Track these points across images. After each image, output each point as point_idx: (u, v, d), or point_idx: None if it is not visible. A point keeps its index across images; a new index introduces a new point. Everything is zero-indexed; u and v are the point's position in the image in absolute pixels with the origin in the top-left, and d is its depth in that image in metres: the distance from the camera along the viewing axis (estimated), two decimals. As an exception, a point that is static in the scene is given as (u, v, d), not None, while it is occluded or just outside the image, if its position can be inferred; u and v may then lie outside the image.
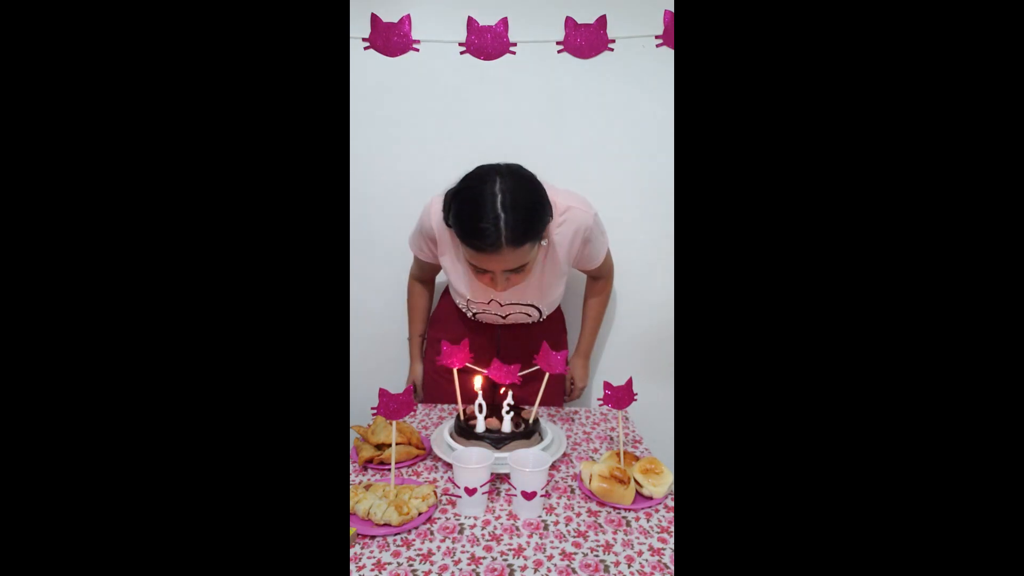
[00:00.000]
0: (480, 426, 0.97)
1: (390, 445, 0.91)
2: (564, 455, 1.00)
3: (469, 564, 0.70)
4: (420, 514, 0.78)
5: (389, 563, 0.70)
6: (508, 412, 0.98)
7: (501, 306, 1.16)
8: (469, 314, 1.20)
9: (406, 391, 0.86)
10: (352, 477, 0.92)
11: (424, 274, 1.28)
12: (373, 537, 0.75)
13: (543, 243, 1.01)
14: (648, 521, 0.80)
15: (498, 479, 0.89)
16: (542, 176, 1.02)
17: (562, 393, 1.34)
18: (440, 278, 1.32)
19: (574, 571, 0.69)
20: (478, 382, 1.01)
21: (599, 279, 1.29)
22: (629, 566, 0.70)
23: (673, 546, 0.74)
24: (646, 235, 1.48)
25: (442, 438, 1.00)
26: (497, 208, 0.88)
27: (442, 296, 1.34)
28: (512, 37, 1.41)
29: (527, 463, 0.82)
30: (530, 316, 1.19)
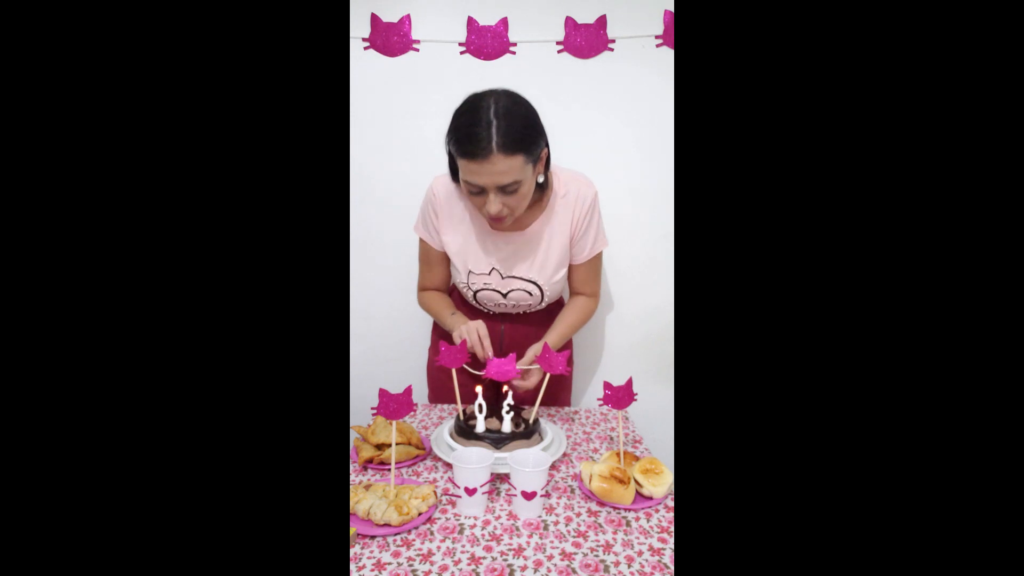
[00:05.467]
0: (480, 426, 0.97)
1: (390, 445, 0.91)
2: (564, 455, 1.00)
3: (469, 564, 0.70)
4: (420, 514, 0.78)
5: (389, 563, 0.70)
6: (508, 412, 0.98)
7: (502, 278, 1.13)
8: (471, 294, 1.18)
9: (406, 391, 0.86)
10: (352, 477, 0.92)
11: (433, 279, 1.21)
12: (373, 537, 0.75)
13: (539, 180, 1.02)
14: (648, 521, 0.80)
15: (498, 479, 0.89)
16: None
17: (562, 393, 1.33)
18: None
19: (574, 571, 0.69)
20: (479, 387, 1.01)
21: (582, 295, 1.20)
22: (629, 566, 0.70)
23: (673, 546, 0.74)
24: (646, 235, 1.48)
25: (442, 438, 1.00)
26: (490, 115, 0.92)
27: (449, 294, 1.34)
28: (512, 37, 1.41)
29: (527, 463, 0.82)
30: (531, 295, 1.15)
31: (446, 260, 1.17)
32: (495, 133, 0.90)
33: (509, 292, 1.16)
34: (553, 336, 1.16)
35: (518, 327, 1.24)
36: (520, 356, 1.07)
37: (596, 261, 1.19)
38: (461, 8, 1.40)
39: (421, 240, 1.19)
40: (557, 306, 1.28)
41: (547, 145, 1.01)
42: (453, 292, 1.27)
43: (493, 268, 1.13)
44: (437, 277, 1.21)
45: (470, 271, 1.14)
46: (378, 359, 1.56)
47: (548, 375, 1.01)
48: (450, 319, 1.15)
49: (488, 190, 0.96)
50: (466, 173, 0.96)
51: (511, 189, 0.96)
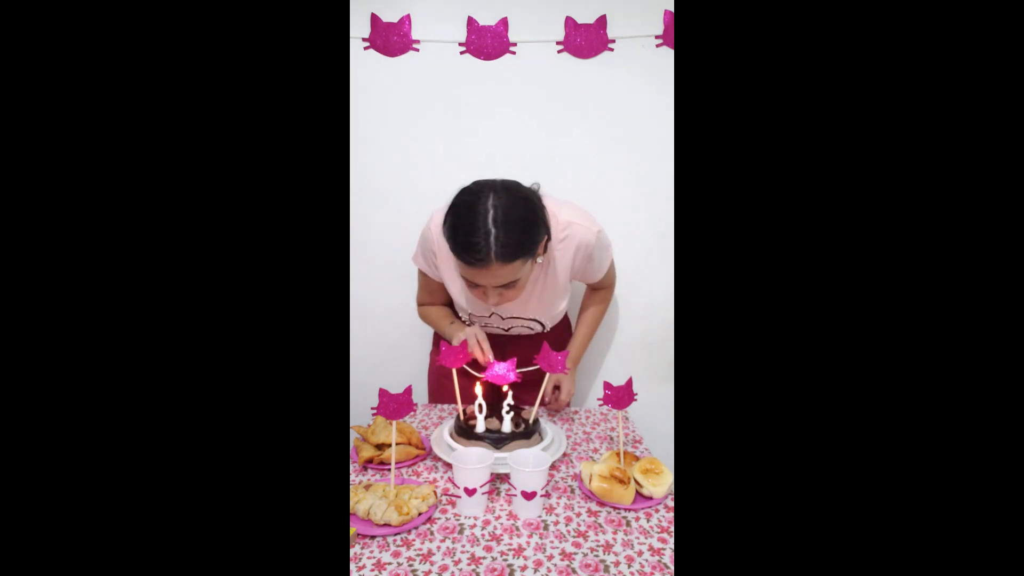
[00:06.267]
0: (480, 426, 0.97)
1: (390, 445, 0.91)
2: (564, 455, 1.00)
3: (469, 564, 0.70)
4: (420, 514, 0.78)
5: (389, 563, 0.70)
6: (508, 412, 0.98)
7: (503, 319, 1.15)
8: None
9: (406, 391, 0.86)
10: (352, 477, 0.92)
11: (433, 300, 1.23)
12: (373, 537, 0.75)
13: (538, 260, 1.00)
14: (648, 521, 0.80)
15: (498, 479, 0.89)
16: (542, 179, 1.02)
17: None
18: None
19: (574, 571, 0.69)
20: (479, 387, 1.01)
21: (600, 289, 1.25)
22: (629, 566, 0.70)
23: (673, 546, 0.74)
24: (646, 235, 1.48)
25: (442, 438, 1.00)
26: (488, 223, 0.87)
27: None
28: (512, 37, 1.41)
29: (527, 463, 0.82)
30: (532, 330, 1.19)
31: (446, 289, 1.17)
32: (494, 243, 0.87)
33: (511, 328, 1.18)
34: (575, 348, 1.23)
35: (522, 342, 1.24)
36: (521, 362, 1.07)
37: (611, 268, 1.20)
38: (461, 8, 1.40)
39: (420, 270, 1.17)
40: (560, 325, 1.28)
41: (547, 232, 0.97)
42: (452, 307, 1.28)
43: (493, 312, 1.14)
44: (437, 299, 1.23)
45: (470, 313, 1.15)
46: (378, 359, 1.56)
47: (549, 376, 1.01)
48: (449, 328, 1.16)
49: (486, 288, 0.95)
50: (464, 272, 0.95)
51: (510, 285, 0.95)
